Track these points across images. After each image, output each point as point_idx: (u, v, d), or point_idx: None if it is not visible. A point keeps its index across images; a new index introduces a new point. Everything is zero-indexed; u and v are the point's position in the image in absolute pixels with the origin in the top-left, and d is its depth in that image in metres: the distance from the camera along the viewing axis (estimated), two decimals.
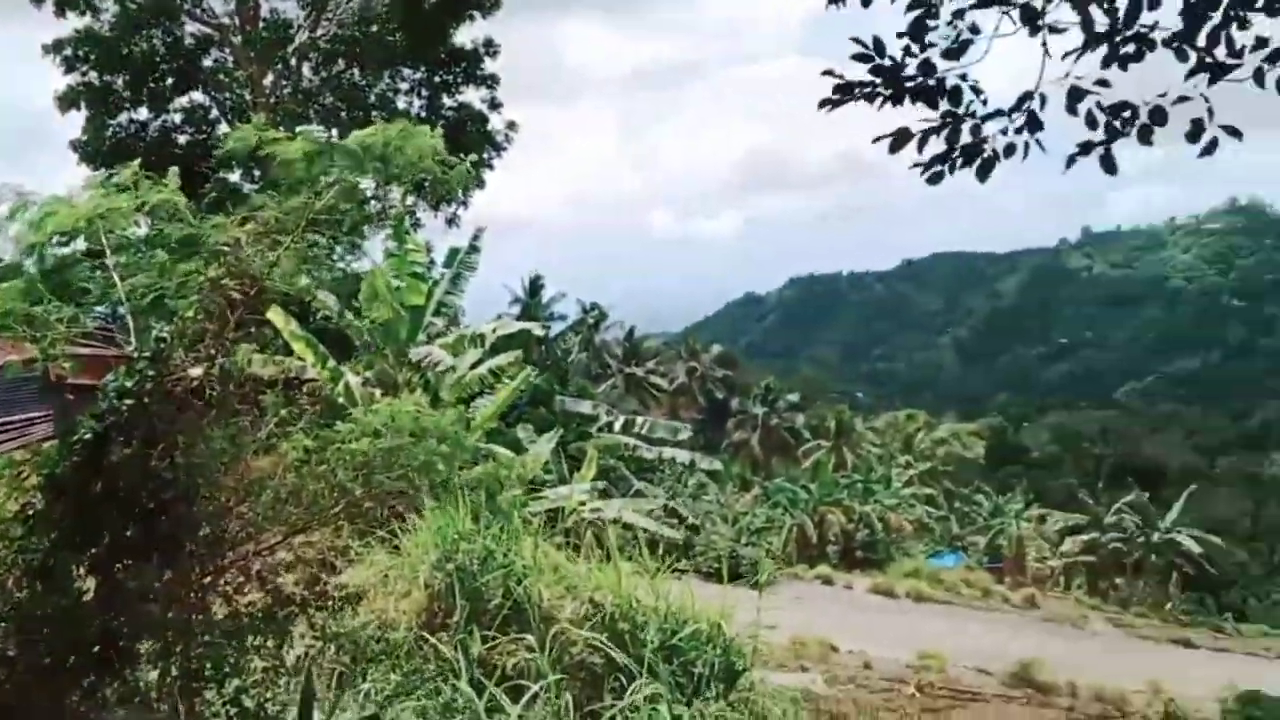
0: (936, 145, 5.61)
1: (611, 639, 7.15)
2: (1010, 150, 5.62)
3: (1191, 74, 5.19)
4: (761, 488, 53.63)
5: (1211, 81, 5.12)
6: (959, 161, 5.60)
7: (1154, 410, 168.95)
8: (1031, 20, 5.36)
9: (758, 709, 7.26)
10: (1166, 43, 5.36)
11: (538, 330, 23.70)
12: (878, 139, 5.46)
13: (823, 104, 5.63)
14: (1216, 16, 5.21)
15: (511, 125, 32.13)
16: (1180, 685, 20.10)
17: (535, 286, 47.41)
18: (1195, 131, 5.27)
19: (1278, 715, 6.44)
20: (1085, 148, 5.51)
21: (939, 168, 5.63)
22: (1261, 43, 5.13)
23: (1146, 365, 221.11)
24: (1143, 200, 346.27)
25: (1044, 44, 5.40)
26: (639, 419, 33.15)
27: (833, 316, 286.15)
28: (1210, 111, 5.23)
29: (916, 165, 5.59)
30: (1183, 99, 5.28)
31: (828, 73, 5.59)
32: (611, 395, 54.67)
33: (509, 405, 18.25)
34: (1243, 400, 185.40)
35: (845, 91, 5.56)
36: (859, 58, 5.52)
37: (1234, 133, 5.25)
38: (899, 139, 5.50)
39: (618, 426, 30.69)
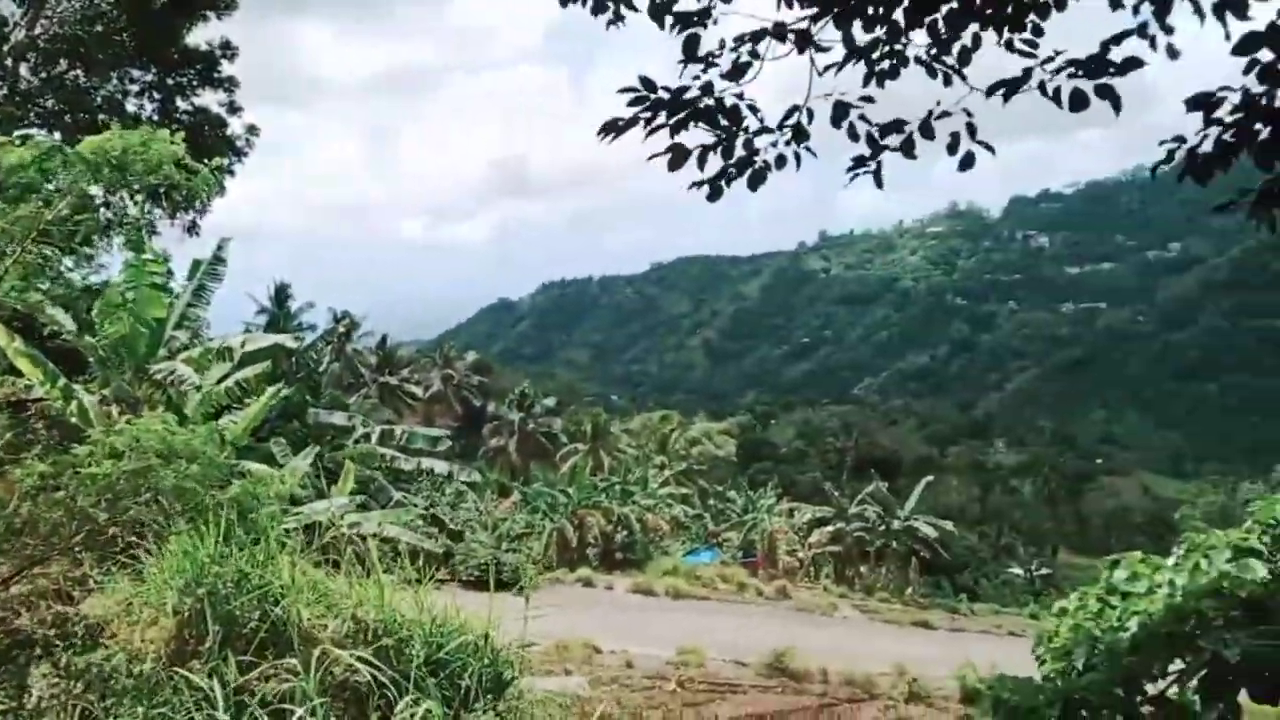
0: (714, 160, 5.80)
1: (376, 656, 7.00)
2: (781, 161, 5.87)
3: (996, 91, 5.51)
4: (520, 493, 53.44)
5: (1006, 98, 5.47)
6: (733, 174, 5.81)
7: (889, 404, 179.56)
8: (805, 45, 5.62)
9: (527, 718, 7.27)
10: (919, 60, 5.74)
11: (289, 342, 22.87)
12: (653, 156, 5.58)
13: (606, 132, 5.72)
14: (966, 38, 5.62)
15: (252, 129, 30.80)
16: (921, 666, 21.38)
17: (282, 296, 45.86)
18: (954, 145, 5.65)
19: (1027, 694, 6.90)
20: (859, 161, 5.82)
21: (718, 183, 5.82)
22: (1030, 56, 5.53)
23: (880, 362, 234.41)
24: (871, 204, 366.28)
25: (812, 62, 5.68)
26: (397, 429, 32.68)
27: (585, 320, 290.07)
28: (970, 128, 5.62)
29: (695, 184, 5.76)
30: (945, 114, 5.66)
31: (607, 126, 5.69)
32: (365, 405, 53.28)
33: (260, 420, 17.58)
34: (968, 393, 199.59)
35: (629, 125, 5.66)
36: (635, 102, 5.64)
37: (987, 148, 5.67)
38: (677, 156, 5.65)
39: (375, 437, 30.12)
